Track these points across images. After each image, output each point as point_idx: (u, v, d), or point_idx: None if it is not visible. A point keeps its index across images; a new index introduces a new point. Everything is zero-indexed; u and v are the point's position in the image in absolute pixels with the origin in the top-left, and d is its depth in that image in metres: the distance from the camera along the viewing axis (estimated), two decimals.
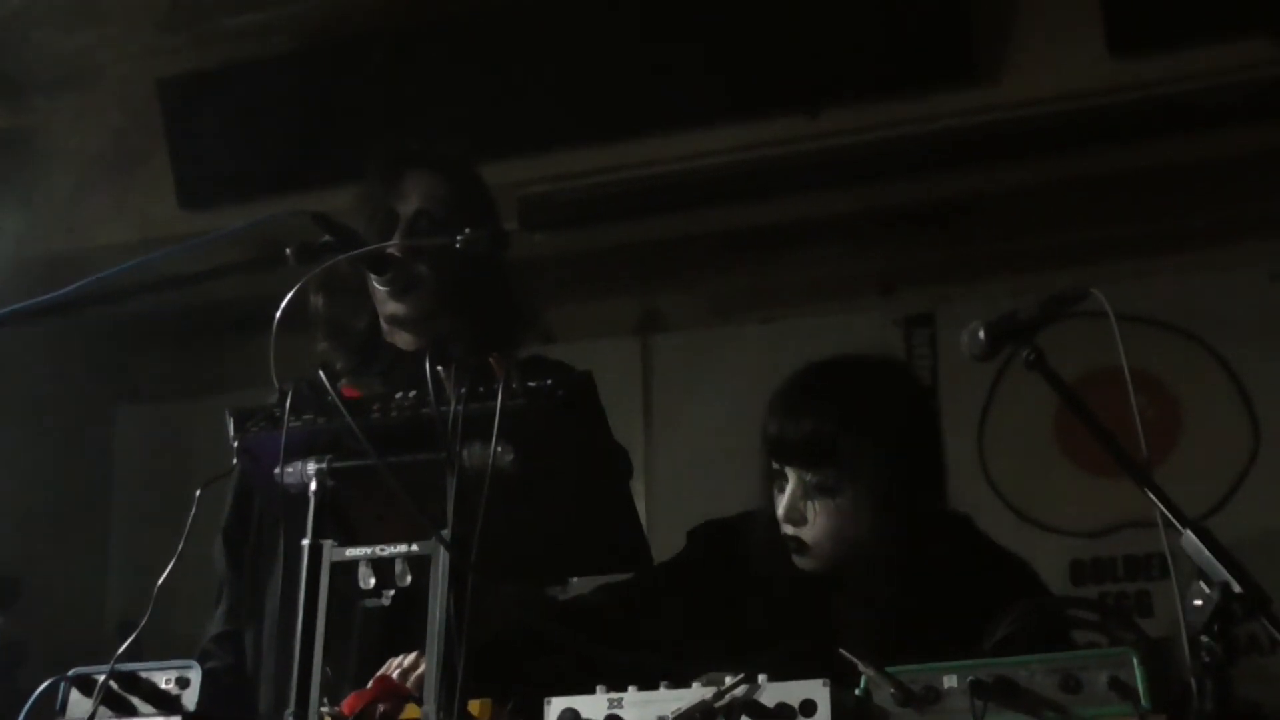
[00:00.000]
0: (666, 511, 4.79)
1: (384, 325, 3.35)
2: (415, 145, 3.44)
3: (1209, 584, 2.22)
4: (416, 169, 3.35)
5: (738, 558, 3.13)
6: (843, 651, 2.26)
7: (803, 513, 2.99)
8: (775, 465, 3.05)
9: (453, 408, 2.46)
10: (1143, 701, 2.12)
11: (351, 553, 2.54)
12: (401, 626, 2.65)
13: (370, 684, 2.57)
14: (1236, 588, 2.19)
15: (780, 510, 3.03)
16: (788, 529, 3.02)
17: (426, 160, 3.38)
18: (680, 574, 3.17)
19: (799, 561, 3.03)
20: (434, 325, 3.25)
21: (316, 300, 3.33)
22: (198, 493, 2.61)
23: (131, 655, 2.56)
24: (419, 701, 2.42)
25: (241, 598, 3.30)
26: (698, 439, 5.89)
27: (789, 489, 3.02)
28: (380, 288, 3.24)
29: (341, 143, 5.29)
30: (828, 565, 3.01)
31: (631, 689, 2.29)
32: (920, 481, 3.03)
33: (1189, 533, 2.29)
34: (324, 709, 2.44)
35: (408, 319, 3.27)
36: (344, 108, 5.60)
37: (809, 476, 2.99)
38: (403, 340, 3.33)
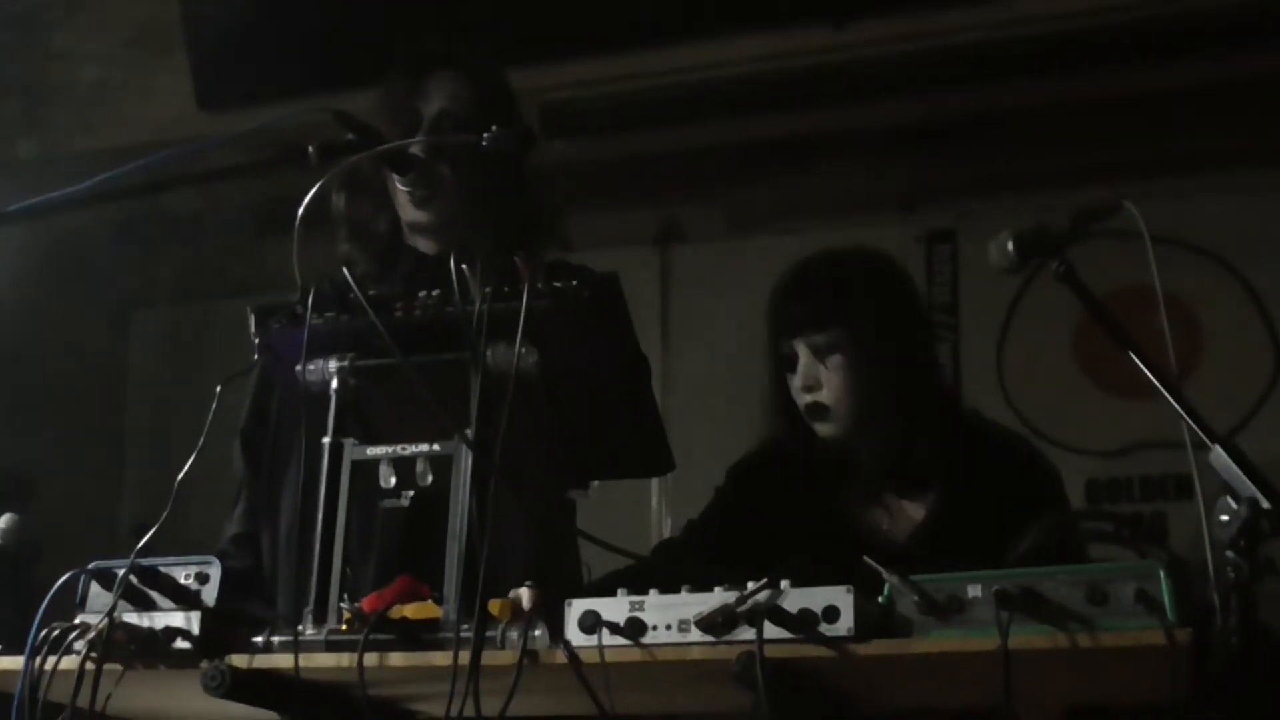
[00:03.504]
0: (685, 420, 4.79)
1: (405, 230, 3.33)
2: (439, 46, 3.41)
3: (1236, 500, 2.20)
4: (440, 70, 3.31)
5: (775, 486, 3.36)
6: (867, 559, 2.25)
7: (817, 377, 3.26)
8: (785, 347, 3.31)
9: (477, 307, 2.44)
10: (1169, 615, 2.10)
11: (373, 451, 2.54)
12: (424, 531, 2.63)
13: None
14: (1265, 503, 2.18)
15: (797, 382, 3.28)
16: (805, 398, 3.28)
17: (450, 61, 3.34)
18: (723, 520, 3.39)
19: (821, 429, 3.28)
20: (455, 231, 3.22)
21: (338, 201, 3.30)
22: (218, 389, 2.60)
23: (147, 556, 2.56)
24: (439, 601, 2.42)
25: (260, 499, 3.30)
26: (716, 350, 5.87)
27: (801, 361, 3.28)
28: (402, 189, 3.21)
29: (362, 45, 5.23)
30: (847, 424, 3.25)
31: (653, 592, 2.29)
32: (917, 355, 3.35)
33: (1217, 448, 2.27)
34: (343, 605, 2.44)
35: (429, 226, 3.25)
36: (365, 9, 5.54)
37: (818, 339, 3.26)
38: (424, 244, 3.31)
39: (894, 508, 3.27)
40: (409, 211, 3.23)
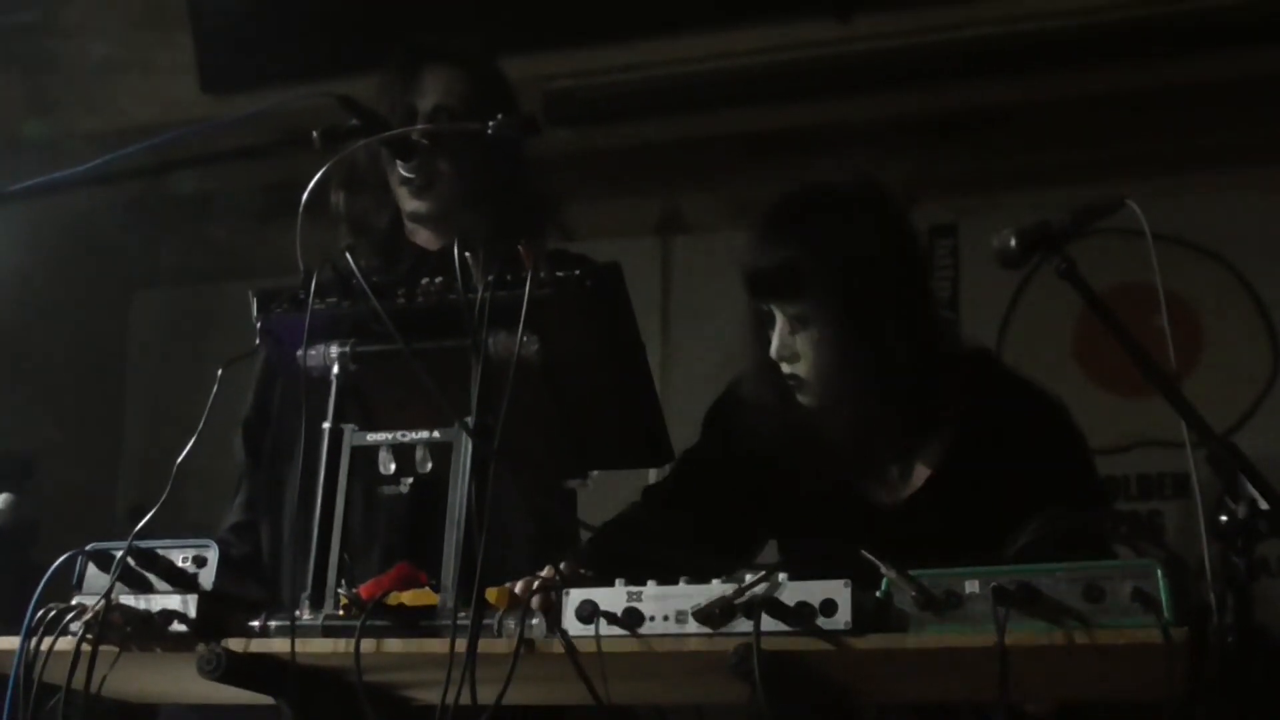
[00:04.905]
0: (684, 411, 4.77)
1: (407, 224, 3.33)
2: (431, 40, 3.39)
3: (1234, 499, 2.20)
4: (434, 64, 3.31)
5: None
6: (865, 554, 2.24)
7: (793, 348, 2.98)
8: (763, 305, 3.03)
9: (479, 294, 2.44)
10: (1165, 614, 2.10)
11: (373, 437, 2.54)
12: (427, 518, 2.63)
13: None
14: (1263, 504, 2.18)
15: (773, 350, 3.00)
16: (785, 368, 3.01)
17: (444, 55, 3.33)
18: (706, 467, 3.19)
19: (803, 399, 3.01)
20: (456, 222, 3.22)
21: (337, 198, 3.30)
22: (219, 372, 2.59)
23: (145, 539, 2.56)
24: (435, 588, 2.42)
25: (260, 489, 3.29)
26: (716, 340, 5.86)
27: (778, 328, 3.00)
28: (404, 175, 3.21)
29: (366, 30, 5.24)
30: (826, 398, 2.99)
31: (651, 583, 2.29)
32: (894, 309, 2.97)
33: (1216, 447, 2.27)
34: (340, 590, 2.44)
35: (429, 215, 3.26)
36: None
37: (790, 310, 2.98)
38: (424, 239, 3.32)
39: (895, 471, 3.06)
40: (409, 202, 3.24)
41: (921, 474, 3.04)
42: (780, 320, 2.99)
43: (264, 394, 3.28)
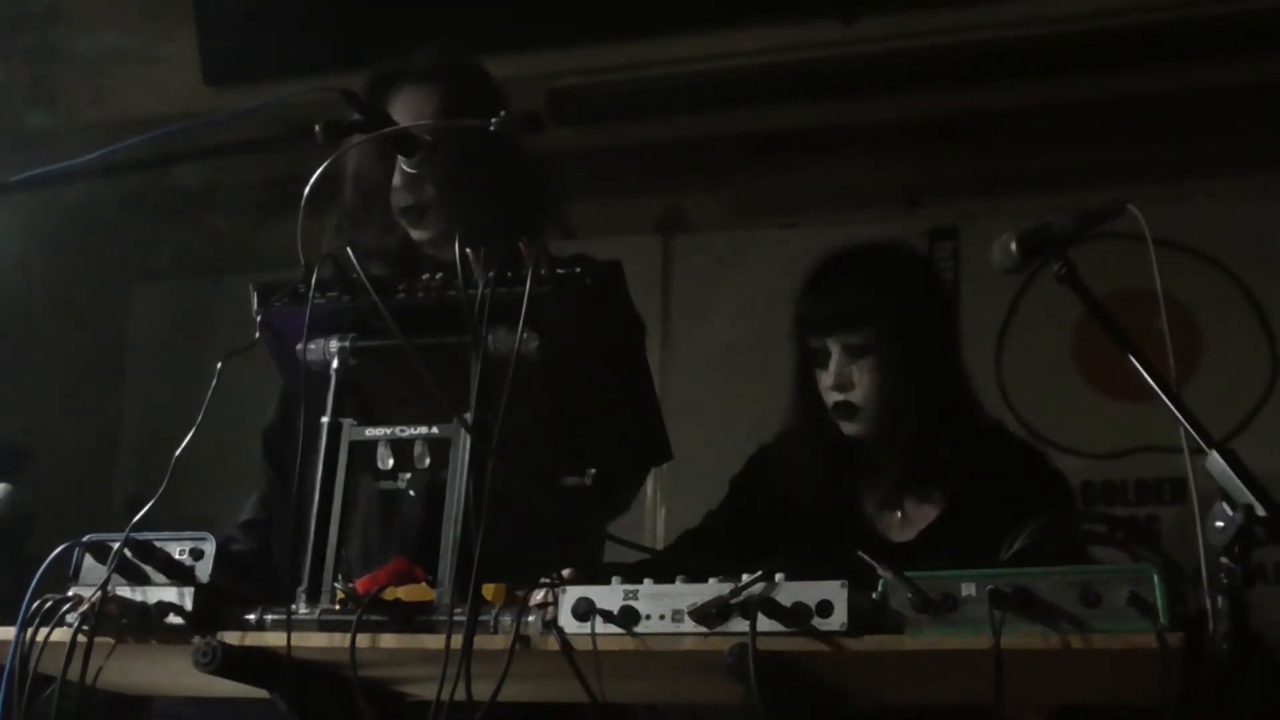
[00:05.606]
0: (682, 411, 4.79)
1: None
2: (394, 65, 3.32)
3: (1231, 506, 2.20)
4: (399, 90, 3.24)
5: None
6: (861, 554, 2.25)
7: (849, 377, 3.26)
8: (815, 343, 3.30)
9: (480, 291, 2.44)
10: (1161, 619, 2.10)
11: (371, 432, 2.54)
12: (436, 518, 2.62)
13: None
14: (1260, 510, 2.18)
15: (830, 380, 3.28)
16: (836, 396, 3.28)
17: (409, 77, 3.26)
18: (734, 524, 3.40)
19: (848, 429, 3.28)
20: (457, 232, 3.20)
21: (341, 242, 3.24)
22: (219, 365, 2.59)
23: (142, 531, 2.55)
24: (432, 584, 2.42)
25: (275, 490, 3.28)
26: (716, 340, 5.89)
27: (834, 359, 3.28)
28: (406, 173, 3.18)
29: (370, 24, 5.24)
30: (875, 423, 3.27)
31: (647, 581, 2.29)
32: (943, 349, 3.36)
33: (1214, 453, 2.27)
34: (337, 585, 2.44)
35: (432, 241, 3.24)
36: None
37: (852, 339, 3.25)
38: (439, 250, 3.30)
39: (909, 510, 3.29)
40: (411, 231, 3.21)
41: (929, 514, 3.28)
42: (837, 352, 3.28)
43: (289, 405, 3.26)
